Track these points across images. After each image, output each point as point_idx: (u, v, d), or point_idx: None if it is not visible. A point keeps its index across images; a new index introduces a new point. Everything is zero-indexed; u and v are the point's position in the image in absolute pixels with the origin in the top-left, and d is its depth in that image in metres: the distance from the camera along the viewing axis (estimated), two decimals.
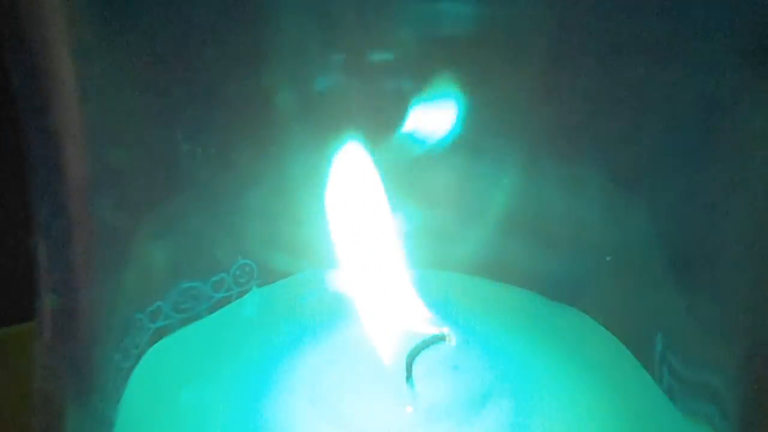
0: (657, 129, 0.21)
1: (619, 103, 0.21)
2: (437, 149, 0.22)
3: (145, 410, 0.20)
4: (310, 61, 0.22)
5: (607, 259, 0.22)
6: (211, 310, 0.23)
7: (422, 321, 0.20)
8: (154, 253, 0.22)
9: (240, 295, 0.24)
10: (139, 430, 0.20)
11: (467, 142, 0.22)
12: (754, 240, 0.20)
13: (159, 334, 0.22)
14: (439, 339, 0.20)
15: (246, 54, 0.21)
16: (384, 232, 0.21)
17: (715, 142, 0.20)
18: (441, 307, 0.21)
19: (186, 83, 0.21)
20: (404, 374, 0.20)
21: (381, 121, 0.23)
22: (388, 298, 0.21)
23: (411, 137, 0.22)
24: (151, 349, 0.22)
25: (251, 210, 0.23)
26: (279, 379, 0.21)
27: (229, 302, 0.24)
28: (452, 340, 0.20)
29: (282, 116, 0.22)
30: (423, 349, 0.20)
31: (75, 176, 0.19)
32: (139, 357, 0.22)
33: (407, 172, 0.23)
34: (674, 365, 0.21)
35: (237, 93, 0.22)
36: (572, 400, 0.20)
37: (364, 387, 0.20)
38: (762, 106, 0.19)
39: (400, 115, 0.22)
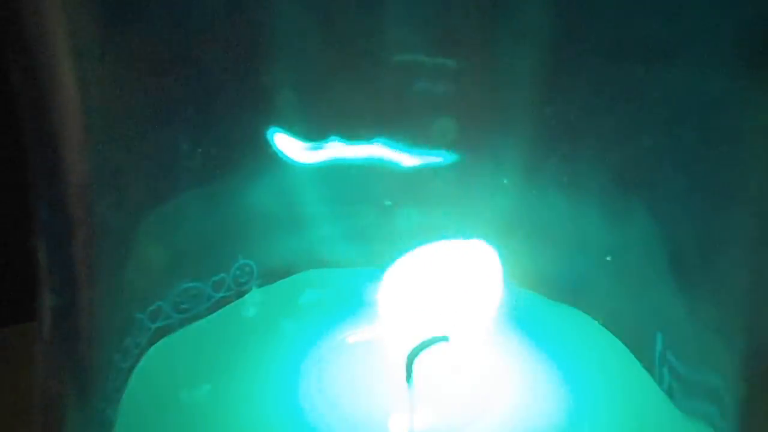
0: (657, 129, 0.21)
1: (619, 103, 0.21)
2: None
3: (145, 410, 0.20)
4: (310, 61, 0.22)
5: (607, 259, 0.22)
6: (211, 310, 0.23)
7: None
8: (154, 253, 0.22)
9: (240, 295, 0.24)
10: (139, 430, 0.20)
11: (467, 141, 0.22)
12: (754, 240, 0.20)
13: (159, 334, 0.22)
14: (439, 339, 0.20)
15: (246, 54, 0.21)
16: None
17: (715, 142, 0.20)
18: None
19: (186, 83, 0.21)
20: (404, 374, 0.20)
21: (380, 120, 0.23)
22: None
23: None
24: (151, 349, 0.22)
25: (251, 210, 0.23)
26: (278, 379, 0.21)
27: (229, 302, 0.24)
28: (452, 340, 0.20)
29: (282, 116, 0.22)
30: (423, 349, 0.20)
31: (75, 176, 0.19)
32: (139, 357, 0.22)
33: (406, 172, 0.23)
34: (674, 365, 0.21)
35: (237, 93, 0.22)
36: (572, 400, 0.20)
37: (363, 387, 0.20)
38: (762, 106, 0.19)
39: (399, 114, 0.22)
